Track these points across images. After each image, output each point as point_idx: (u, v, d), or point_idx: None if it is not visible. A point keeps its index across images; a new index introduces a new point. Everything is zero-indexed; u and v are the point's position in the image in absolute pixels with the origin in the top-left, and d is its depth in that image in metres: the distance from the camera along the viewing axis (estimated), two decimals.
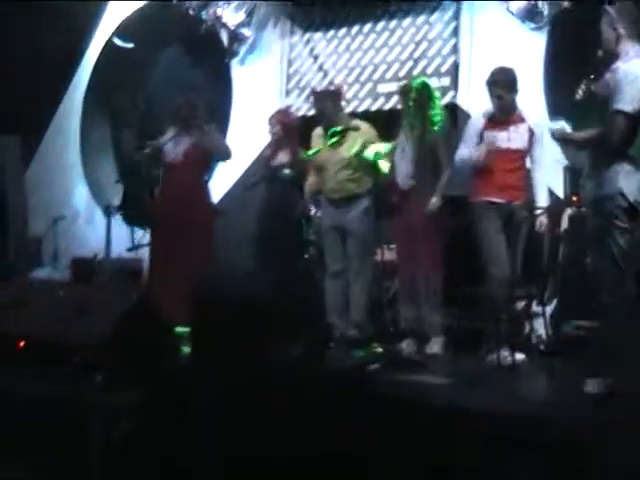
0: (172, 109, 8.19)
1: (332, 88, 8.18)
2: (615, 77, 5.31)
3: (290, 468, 4.88)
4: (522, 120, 6.79)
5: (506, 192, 6.74)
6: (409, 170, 7.16)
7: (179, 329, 6.34)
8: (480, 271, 6.70)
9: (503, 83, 6.74)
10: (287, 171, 8.04)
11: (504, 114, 6.78)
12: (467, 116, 9.05)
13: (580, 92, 5.96)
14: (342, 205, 7.51)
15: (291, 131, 8.18)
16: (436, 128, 7.20)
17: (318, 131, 7.79)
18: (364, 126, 7.59)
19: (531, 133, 6.76)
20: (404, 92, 7.40)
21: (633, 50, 5.38)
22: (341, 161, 7.54)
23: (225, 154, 8.06)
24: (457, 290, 6.86)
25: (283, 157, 8.15)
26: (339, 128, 7.55)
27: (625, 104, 5.21)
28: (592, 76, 5.77)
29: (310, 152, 7.65)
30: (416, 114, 7.20)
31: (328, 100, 7.69)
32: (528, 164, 6.88)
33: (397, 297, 7.40)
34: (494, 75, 6.81)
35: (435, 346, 7.06)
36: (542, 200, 6.80)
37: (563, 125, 5.65)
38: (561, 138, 5.79)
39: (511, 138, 6.76)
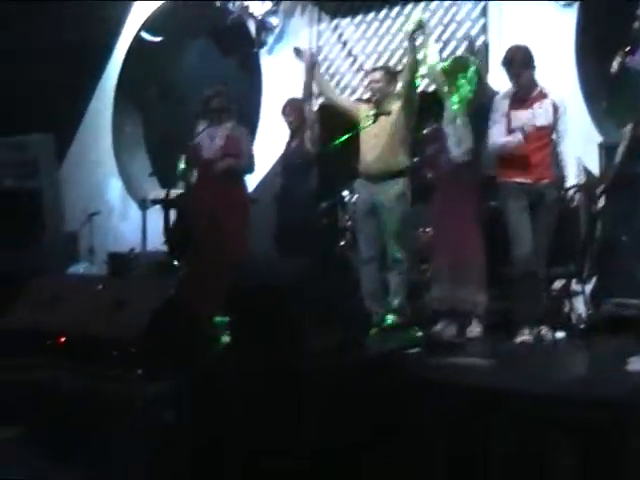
0: (202, 100, 8.16)
1: (390, 67, 8.17)
2: None
3: (333, 453, 4.88)
4: (544, 96, 6.72)
5: (533, 171, 6.67)
6: (454, 144, 7.12)
7: (216, 319, 6.36)
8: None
9: (518, 61, 6.70)
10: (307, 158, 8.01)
11: (525, 92, 6.71)
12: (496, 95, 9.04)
13: (615, 65, 5.85)
14: (379, 183, 7.46)
15: (307, 119, 8.12)
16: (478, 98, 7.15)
17: (364, 110, 7.74)
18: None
19: (555, 108, 6.68)
20: (448, 71, 7.34)
21: None
22: (380, 139, 7.49)
23: (248, 164, 8.06)
24: (496, 270, 6.81)
25: (301, 145, 8.11)
26: (377, 111, 7.52)
27: None
28: (628, 49, 5.66)
29: (345, 136, 7.60)
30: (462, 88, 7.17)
31: (384, 78, 7.65)
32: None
33: (434, 278, 7.32)
34: (508, 55, 6.79)
35: (476, 328, 7.01)
36: (571, 176, 6.73)
37: None
38: None
39: (535, 115, 6.68)
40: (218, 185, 7.88)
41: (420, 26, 7.44)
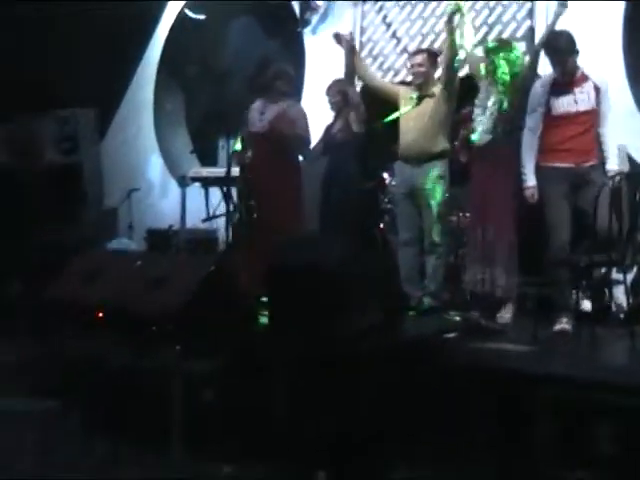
0: (260, 78, 8.14)
1: (432, 49, 8.14)
2: None
3: (368, 438, 4.89)
4: (586, 79, 6.62)
5: (576, 155, 6.60)
6: (488, 126, 7.08)
7: (256, 298, 6.37)
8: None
9: (561, 48, 6.61)
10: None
11: (568, 78, 6.63)
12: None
13: None
14: (418, 166, 7.45)
15: (352, 100, 8.10)
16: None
17: (404, 92, 7.72)
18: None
19: (597, 90, 6.57)
20: (487, 51, 7.29)
21: None
22: (419, 122, 7.47)
23: (301, 141, 8.03)
24: (533, 256, 6.78)
25: (346, 126, 8.09)
26: (419, 94, 7.51)
27: None
28: None
29: (388, 118, 7.58)
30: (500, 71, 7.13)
31: (427, 61, 7.62)
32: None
33: (469, 262, 7.31)
34: (550, 41, 6.71)
35: (506, 314, 6.99)
36: (613, 158, 6.64)
37: None
38: None
39: (577, 100, 6.59)
40: (269, 160, 7.85)
41: (458, 9, 7.39)
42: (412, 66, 7.76)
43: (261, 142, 7.94)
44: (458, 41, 7.36)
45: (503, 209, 7.02)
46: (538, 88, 6.77)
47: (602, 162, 6.59)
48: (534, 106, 6.75)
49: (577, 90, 6.60)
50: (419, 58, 7.67)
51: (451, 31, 7.35)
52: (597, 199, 6.32)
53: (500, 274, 7.02)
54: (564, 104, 6.63)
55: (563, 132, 6.63)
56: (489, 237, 7.04)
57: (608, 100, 6.62)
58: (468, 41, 7.41)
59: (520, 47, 8.82)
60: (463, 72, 7.92)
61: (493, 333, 6.41)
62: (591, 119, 6.61)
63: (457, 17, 7.36)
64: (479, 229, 7.16)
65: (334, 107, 8.28)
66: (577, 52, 6.62)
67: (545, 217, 6.64)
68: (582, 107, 6.59)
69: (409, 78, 8.17)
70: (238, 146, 8.12)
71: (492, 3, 9.59)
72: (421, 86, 7.57)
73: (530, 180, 6.68)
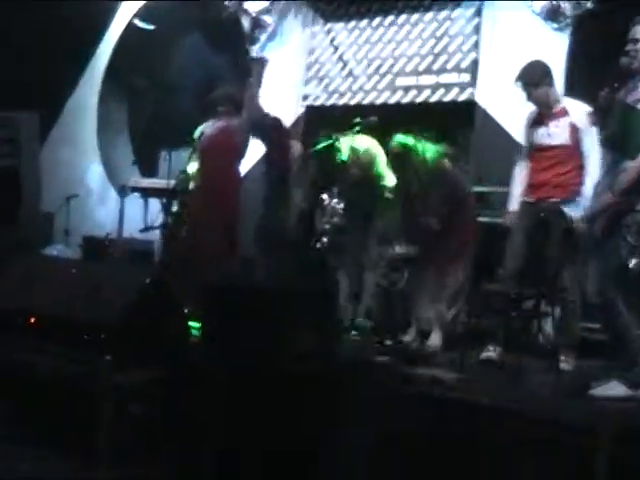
0: (210, 101, 8.17)
1: None
2: None
3: (297, 455, 4.92)
4: (565, 114, 6.56)
5: (541, 189, 6.59)
6: None
7: (192, 311, 6.37)
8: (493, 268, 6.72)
9: (528, 79, 6.62)
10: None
11: (545, 110, 6.65)
12: (484, 113, 9.10)
13: (601, 99, 5.80)
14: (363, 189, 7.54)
15: (285, 137, 8.14)
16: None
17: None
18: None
19: (574, 128, 6.49)
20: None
21: None
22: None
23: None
24: (470, 286, 6.87)
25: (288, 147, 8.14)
26: None
27: None
28: (616, 84, 5.64)
29: (328, 141, 7.66)
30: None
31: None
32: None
33: (406, 290, 7.41)
34: (520, 72, 6.70)
35: (435, 341, 7.08)
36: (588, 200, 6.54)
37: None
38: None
39: (550, 133, 6.56)
40: (214, 177, 7.87)
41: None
42: None
43: (205, 157, 7.96)
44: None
45: (440, 242, 7.10)
46: (524, 121, 6.80)
47: (569, 200, 6.53)
48: (521, 139, 6.81)
49: (552, 124, 6.56)
50: None
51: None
52: (551, 234, 6.39)
53: (429, 302, 7.11)
54: (538, 137, 6.61)
55: (535, 166, 6.65)
56: (427, 266, 7.13)
57: (594, 141, 6.38)
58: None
59: (464, 78, 9.04)
60: None
61: (424, 359, 6.49)
62: (560, 155, 6.53)
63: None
64: (419, 258, 7.26)
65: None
66: (548, 84, 6.62)
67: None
68: (553, 141, 6.55)
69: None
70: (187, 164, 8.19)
71: (439, 33, 9.74)
72: None
73: (510, 206, 6.77)
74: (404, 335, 7.17)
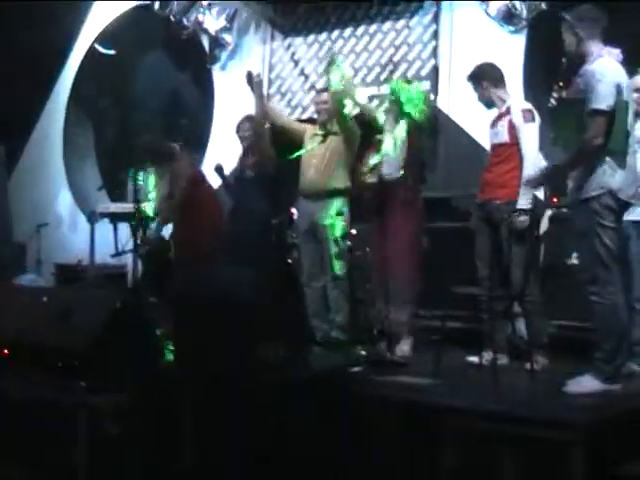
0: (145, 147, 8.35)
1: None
2: (585, 79, 5.39)
3: (275, 467, 4.94)
4: (507, 114, 6.64)
5: (486, 190, 6.69)
6: (392, 165, 7.17)
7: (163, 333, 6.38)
8: (464, 271, 6.77)
9: (472, 79, 6.80)
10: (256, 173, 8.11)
11: (499, 110, 6.75)
12: (447, 119, 9.16)
13: (552, 100, 5.94)
14: (318, 202, 7.52)
15: (261, 136, 8.15)
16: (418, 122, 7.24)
17: (310, 130, 7.82)
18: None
19: (511, 126, 6.57)
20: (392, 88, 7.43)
21: (596, 50, 5.48)
22: (320, 158, 7.56)
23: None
24: (439, 289, 6.89)
25: (254, 162, 8.15)
26: (323, 131, 7.60)
27: (599, 103, 5.29)
28: (561, 84, 5.78)
29: (295, 154, 7.68)
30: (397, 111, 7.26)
31: (329, 100, 7.70)
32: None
33: (373, 297, 7.45)
34: (467, 75, 6.88)
35: (404, 347, 7.10)
36: (526, 198, 6.62)
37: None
38: (543, 182, 5.85)
39: (496, 132, 6.67)
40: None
41: (333, 60, 7.55)
42: (317, 104, 7.87)
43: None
44: (338, 85, 7.43)
45: (404, 245, 7.11)
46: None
47: (512, 199, 6.58)
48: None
49: (499, 123, 6.66)
50: (324, 96, 7.77)
51: (329, 78, 7.48)
52: (499, 234, 6.49)
53: (397, 309, 7.14)
54: (490, 137, 6.77)
55: (486, 166, 6.77)
56: (388, 273, 7.15)
57: (530, 138, 6.50)
58: (347, 84, 7.50)
59: (424, 86, 9.10)
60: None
61: (397, 366, 6.50)
62: (502, 154, 6.61)
63: (334, 67, 7.48)
64: (379, 265, 7.28)
65: (244, 143, 8.32)
66: (493, 84, 6.72)
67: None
68: (497, 140, 6.66)
69: (317, 115, 8.27)
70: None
71: (398, 42, 9.80)
72: (325, 123, 7.68)
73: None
74: (378, 345, 7.19)
